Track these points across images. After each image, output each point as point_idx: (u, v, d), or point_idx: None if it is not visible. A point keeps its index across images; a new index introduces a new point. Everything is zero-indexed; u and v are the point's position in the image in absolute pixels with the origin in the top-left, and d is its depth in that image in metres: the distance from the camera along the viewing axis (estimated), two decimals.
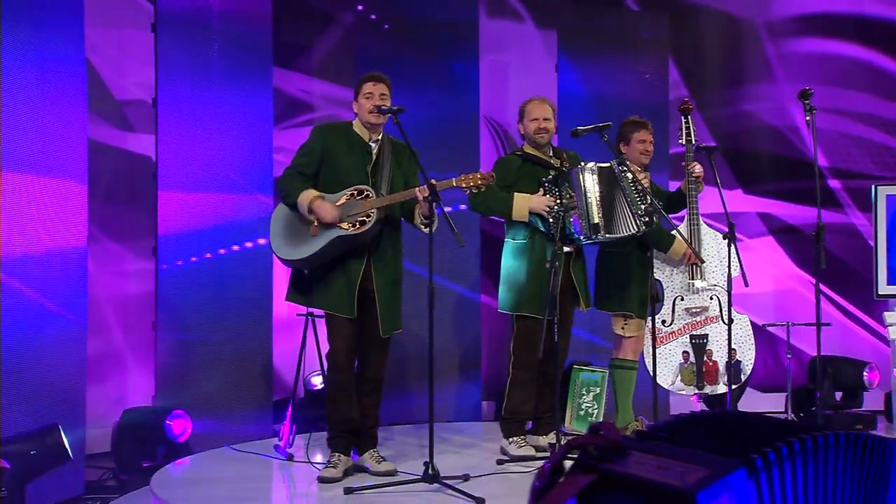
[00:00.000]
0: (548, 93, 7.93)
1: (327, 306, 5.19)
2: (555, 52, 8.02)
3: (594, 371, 6.62)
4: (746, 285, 6.08)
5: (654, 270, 6.33)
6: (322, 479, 5.12)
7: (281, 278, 6.50)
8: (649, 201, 5.77)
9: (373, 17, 7.66)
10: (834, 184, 9.11)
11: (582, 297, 5.92)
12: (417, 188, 5.05)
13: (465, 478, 5.09)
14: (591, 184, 5.73)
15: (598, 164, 5.81)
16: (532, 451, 5.70)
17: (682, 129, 6.46)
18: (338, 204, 5.09)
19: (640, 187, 5.84)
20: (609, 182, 5.81)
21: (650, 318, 5.92)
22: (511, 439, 5.78)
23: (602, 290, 6.34)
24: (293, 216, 5.20)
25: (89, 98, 7.01)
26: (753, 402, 8.23)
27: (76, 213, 5.96)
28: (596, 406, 6.57)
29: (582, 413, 6.60)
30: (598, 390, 6.57)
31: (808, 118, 5.98)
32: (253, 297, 6.86)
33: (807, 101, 6.00)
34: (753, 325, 6.56)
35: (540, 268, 5.68)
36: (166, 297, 6.61)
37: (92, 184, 6.97)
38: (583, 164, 5.79)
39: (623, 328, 6.31)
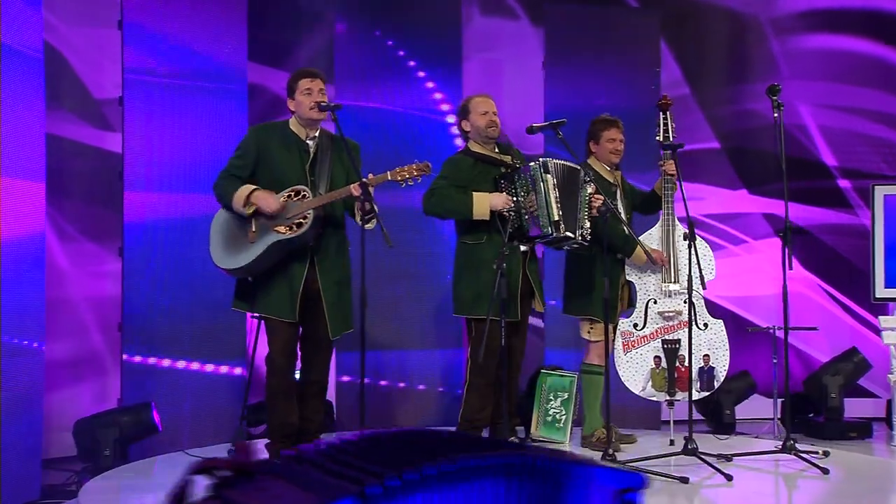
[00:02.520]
0: (535, 91, 7.86)
1: (268, 310, 5.08)
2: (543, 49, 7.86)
3: (563, 376, 6.43)
4: (704, 289, 5.88)
5: (627, 273, 6.18)
6: None
7: None
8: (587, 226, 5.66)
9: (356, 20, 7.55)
10: (843, 183, 8.83)
11: (539, 296, 5.75)
12: (352, 185, 4.92)
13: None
14: (550, 180, 5.57)
15: (558, 161, 5.66)
16: None
17: (659, 126, 6.25)
18: (281, 199, 4.98)
19: (590, 204, 5.75)
20: (570, 181, 5.65)
21: (601, 321, 5.73)
22: None
23: (569, 295, 6.19)
24: (231, 223, 5.10)
25: (67, 98, 7.05)
26: (758, 408, 8.01)
27: (33, 211, 5.93)
28: (564, 412, 6.38)
29: (549, 419, 6.41)
30: (566, 395, 6.37)
31: (775, 114, 5.77)
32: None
33: (774, 98, 5.79)
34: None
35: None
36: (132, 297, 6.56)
37: (70, 183, 7.01)
38: (541, 159, 5.64)
39: (589, 332, 6.15)
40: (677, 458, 5.54)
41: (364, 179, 4.85)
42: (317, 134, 5.18)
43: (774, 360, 7.11)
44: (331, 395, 7.29)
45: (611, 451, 5.53)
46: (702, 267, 5.99)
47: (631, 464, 5.36)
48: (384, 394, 7.25)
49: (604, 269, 6.05)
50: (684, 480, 5.11)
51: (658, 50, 7.98)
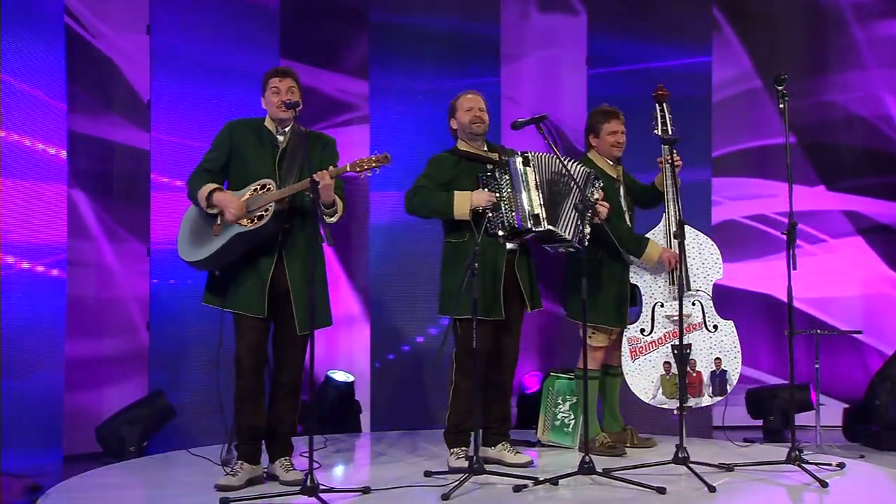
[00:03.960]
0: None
1: (237, 306, 5.07)
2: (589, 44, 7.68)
3: (571, 378, 6.24)
4: (688, 289, 5.62)
5: (631, 275, 5.96)
6: (218, 487, 4.97)
7: None
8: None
9: (396, 20, 7.57)
10: None
11: (527, 297, 5.59)
12: (308, 178, 4.91)
13: (365, 490, 4.91)
14: (531, 173, 5.42)
15: (542, 155, 5.50)
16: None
17: (656, 119, 5.99)
18: (242, 199, 5.02)
19: (595, 210, 5.57)
20: (557, 176, 5.49)
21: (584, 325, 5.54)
22: (452, 451, 5.53)
23: (571, 299, 6.01)
24: (199, 217, 5.14)
25: (118, 103, 7.30)
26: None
27: (56, 214, 6.19)
28: (572, 416, 6.20)
29: (557, 423, 6.23)
30: (574, 399, 6.19)
31: (781, 105, 5.45)
32: None
33: (780, 88, 5.46)
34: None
35: (483, 267, 5.38)
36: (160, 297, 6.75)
37: (119, 186, 7.24)
38: (522, 152, 5.49)
39: (590, 337, 5.94)
40: (669, 466, 5.28)
41: (324, 171, 4.84)
42: (287, 129, 5.19)
43: (816, 365, 6.72)
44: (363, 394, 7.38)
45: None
46: (707, 266, 5.78)
47: (614, 472, 5.17)
48: None
49: (611, 274, 5.91)
50: (661, 491, 4.88)
51: (710, 38, 7.64)
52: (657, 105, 6.02)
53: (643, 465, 5.39)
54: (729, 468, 5.43)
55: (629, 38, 7.60)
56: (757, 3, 8.43)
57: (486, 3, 7.66)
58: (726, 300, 8.22)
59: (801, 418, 7.16)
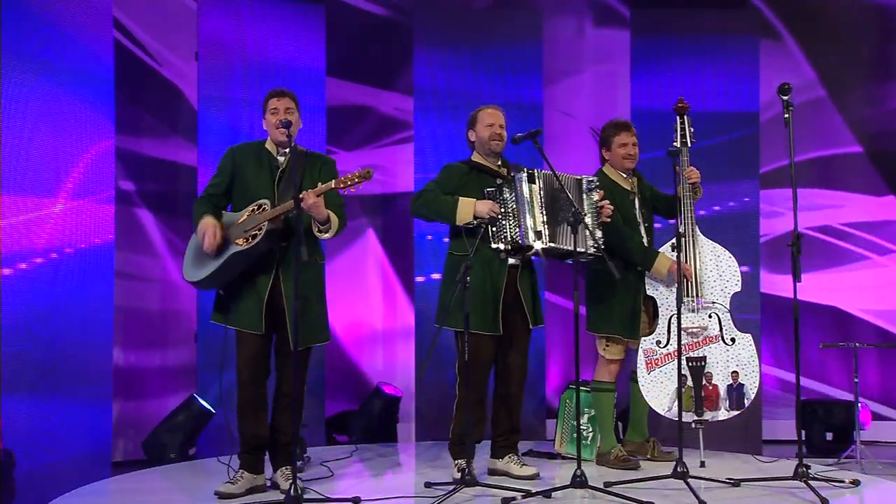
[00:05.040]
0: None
1: (237, 323, 5.28)
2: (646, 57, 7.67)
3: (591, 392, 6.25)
4: (698, 298, 5.65)
5: (648, 288, 5.95)
6: (218, 494, 5.18)
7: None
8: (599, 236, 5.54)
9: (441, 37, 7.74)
10: None
11: (529, 313, 5.63)
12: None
13: (355, 500, 5.01)
14: (535, 190, 5.48)
15: (547, 172, 5.55)
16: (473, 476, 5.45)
17: (677, 131, 5.98)
18: (240, 221, 5.22)
19: (599, 211, 5.61)
20: (561, 192, 5.52)
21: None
22: (456, 462, 5.60)
23: (589, 311, 6.04)
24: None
25: (182, 127, 7.67)
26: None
27: (101, 228, 6.56)
28: (591, 429, 6.21)
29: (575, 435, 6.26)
30: (593, 412, 6.19)
31: (786, 115, 5.37)
32: None
33: (785, 98, 5.38)
34: None
35: (483, 281, 5.49)
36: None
37: (183, 205, 7.58)
38: (528, 169, 5.54)
39: (605, 349, 5.97)
40: (674, 480, 5.24)
41: (311, 190, 5.02)
42: (287, 151, 5.37)
43: (856, 379, 6.54)
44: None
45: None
46: (724, 278, 5.76)
47: (614, 485, 5.18)
48: None
49: (626, 286, 5.91)
50: None
51: (757, 51, 7.54)
52: (678, 117, 6.01)
53: (643, 479, 5.37)
54: (736, 483, 5.37)
55: (674, 52, 7.57)
56: (819, 12, 8.27)
57: (532, 19, 7.75)
58: (789, 312, 8.14)
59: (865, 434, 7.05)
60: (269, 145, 5.40)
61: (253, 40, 7.32)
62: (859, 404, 6.84)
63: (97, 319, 6.53)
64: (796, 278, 5.33)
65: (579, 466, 5.08)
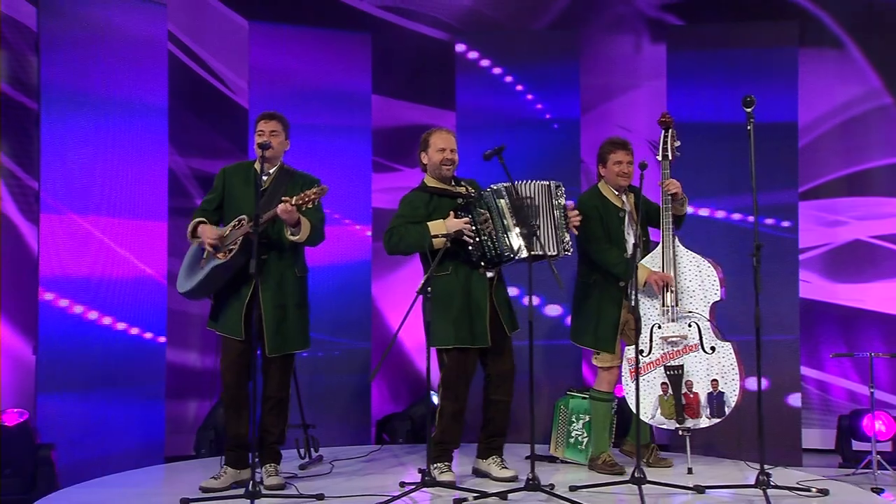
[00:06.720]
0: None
1: (222, 329, 5.74)
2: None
3: (586, 398, 6.39)
4: (665, 303, 5.87)
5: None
6: (202, 489, 5.63)
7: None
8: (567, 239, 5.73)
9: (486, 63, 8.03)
10: None
11: (504, 321, 5.81)
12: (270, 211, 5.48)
13: (319, 497, 5.34)
14: (504, 205, 5.69)
15: (512, 185, 5.70)
16: (451, 478, 5.66)
17: (660, 144, 6.08)
18: (224, 235, 5.67)
19: (566, 218, 5.78)
20: (528, 202, 5.70)
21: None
22: (436, 465, 5.81)
23: (574, 323, 6.24)
24: (195, 253, 5.81)
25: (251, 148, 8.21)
26: None
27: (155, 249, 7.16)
28: (585, 434, 6.36)
29: (571, 441, 6.43)
30: (588, 418, 6.34)
31: (749, 127, 5.43)
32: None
33: (748, 109, 5.44)
34: None
35: (466, 297, 5.71)
36: None
37: None
38: (495, 185, 5.74)
39: (595, 358, 6.14)
40: (628, 486, 5.38)
41: (263, 213, 5.44)
42: (272, 171, 5.78)
43: (871, 389, 6.46)
44: None
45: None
46: (704, 288, 5.85)
47: (575, 487, 5.38)
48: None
49: (609, 296, 6.06)
50: None
51: (795, 62, 7.49)
52: (662, 131, 6.11)
53: (606, 484, 5.53)
54: (700, 490, 5.44)
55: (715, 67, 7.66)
56: (883, 19, 8.11)
57: (570, 37, 7.97)
58: (853, 321, 8.03)
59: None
60: (257, 165, 5.81)
61: (300, 66, 7.79)
62: (877, 413, 6.75)
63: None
64: (757, 289, 5.32)
65: (533, 469, 5.27)
